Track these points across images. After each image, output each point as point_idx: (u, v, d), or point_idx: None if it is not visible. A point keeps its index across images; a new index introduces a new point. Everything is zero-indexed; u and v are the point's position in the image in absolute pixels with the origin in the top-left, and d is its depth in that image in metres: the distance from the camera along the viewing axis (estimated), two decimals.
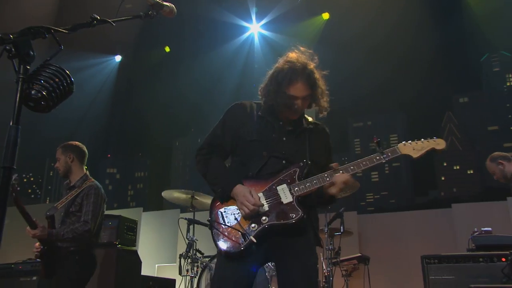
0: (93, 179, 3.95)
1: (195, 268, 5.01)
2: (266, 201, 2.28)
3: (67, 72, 1.59)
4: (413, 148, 2.33)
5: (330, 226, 5.05)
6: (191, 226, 5.18)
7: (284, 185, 2.29)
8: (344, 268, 5.49)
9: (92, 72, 13.45)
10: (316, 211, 2.54)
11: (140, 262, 5.17)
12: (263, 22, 12.99)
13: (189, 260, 4.99)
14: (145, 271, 5.98)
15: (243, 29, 13.59)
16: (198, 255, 5.12)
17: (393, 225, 7.44)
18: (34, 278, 4.86)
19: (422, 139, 2.37)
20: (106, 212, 5.94)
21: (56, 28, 1.62)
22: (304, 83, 2.36)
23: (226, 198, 2.35)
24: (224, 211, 2.33)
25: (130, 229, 5.16)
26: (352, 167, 2.31)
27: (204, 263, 5.02)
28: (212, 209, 2.39)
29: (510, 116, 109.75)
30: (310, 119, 2.59)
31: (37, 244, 3.66)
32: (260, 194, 2.30)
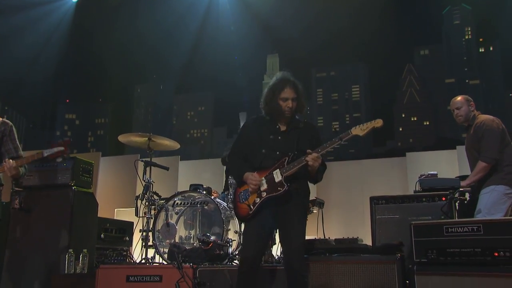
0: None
1: (152, 210, 5.04)
2: (266, 182, 3.32)
3: None
4: (361, 129, 3.27)
5: None
6: (147, 168, 5.16)
7: (278, 170, 3.31)
8: None
9: (46, 9, 12.68)
10: (307, 185, 3.51)
11: (97, 204, 5.13)
12: None
13: (146, 202, 5.01)
14: (104, 215, 5.96)
15: None
16: (155, 197, 5.14)
17: (350, 172, 7.70)
18: None
19: (368, 122, 3.29)
20: None
21: None
22: (291, 88, 3.43)
23: (241, 183, 3.46)
24: (241, 193, 3.44)
25: (86, 171, 5.05)
26: (319, 149, 3.28)
27: (160, 205, 5.05)
28: (235, 192, 3.53)
29: (466, 69, 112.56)
30: (302, 120, 3.57)
31: None
32: (263, 178, 3.34)
